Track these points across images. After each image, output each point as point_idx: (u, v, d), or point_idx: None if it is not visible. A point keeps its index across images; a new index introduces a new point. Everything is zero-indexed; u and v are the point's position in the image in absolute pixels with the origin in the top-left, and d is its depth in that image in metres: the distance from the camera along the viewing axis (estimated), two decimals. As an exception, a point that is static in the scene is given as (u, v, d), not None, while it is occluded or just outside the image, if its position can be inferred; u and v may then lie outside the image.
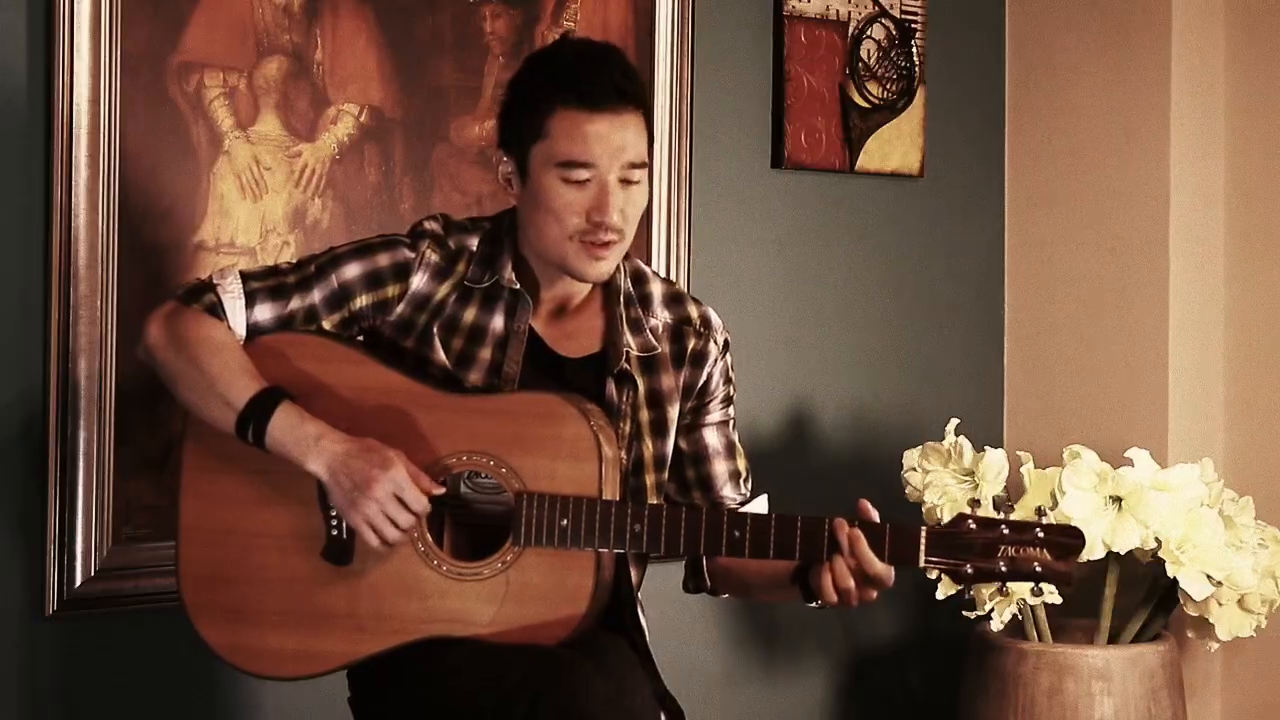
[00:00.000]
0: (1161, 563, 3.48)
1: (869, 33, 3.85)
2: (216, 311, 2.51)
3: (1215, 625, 3.52)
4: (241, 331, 2.51)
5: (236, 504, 2.51)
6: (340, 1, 3.18)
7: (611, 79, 2.48)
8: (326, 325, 2.54)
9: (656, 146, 3.52)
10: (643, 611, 2.64)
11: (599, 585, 2.43)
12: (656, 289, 2.65)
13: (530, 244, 2.55)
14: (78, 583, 2.93)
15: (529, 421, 2.44)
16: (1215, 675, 3.95)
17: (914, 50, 3.93)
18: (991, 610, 3.50)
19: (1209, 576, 3.46)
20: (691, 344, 2.64)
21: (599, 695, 2.32)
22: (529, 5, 3.39)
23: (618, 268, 2.58)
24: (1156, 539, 3.47)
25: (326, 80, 3.17)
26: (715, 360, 2.66)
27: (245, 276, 2.54)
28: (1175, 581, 3.47)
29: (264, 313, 2.52)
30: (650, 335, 2.61)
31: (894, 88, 3.89)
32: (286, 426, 2.43)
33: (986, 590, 3.49)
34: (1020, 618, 3.62)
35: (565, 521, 2.41)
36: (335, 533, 2.46)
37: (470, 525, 2.51)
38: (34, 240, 2.90)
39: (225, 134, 3.07)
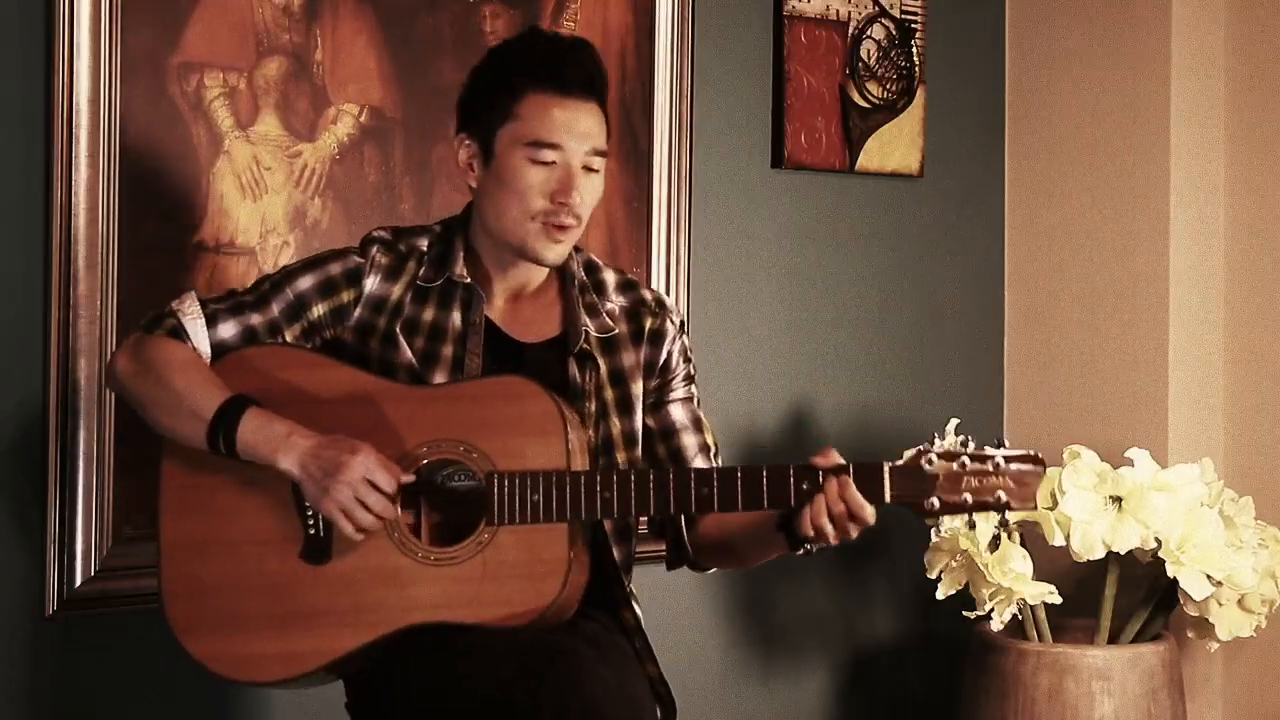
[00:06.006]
0: (1161, 563, 3.48)
1: (869, 33, 3.85)
2: (179, 334, 2.55)
3: (1215, 625, 3.53)
4: (206, 350, 2.56)
5: (214, 515, 2.53)
6: (340, 1, 3.18)
7: (583, 68, 2.57)
8: (288, 337, 2.58)
9: (656, 146, 3.53)
10: (636, 601, 2.66)
11: (574, 555, 2.45)
12: (609, 277, 2.70)
13: (488, 227, 2.59)
14: (78, 583, 2.93)
15: (494, 403, 2.48)
16: (1215, 675, 3.95)
17: (914, 50, 3.93)
18: (991, 610, 3.50)
19: (1209, 576, 3.46)
20: (648, 323, 2.68)
21: (600, 681, 2.34)
22: (529, 5, 3.39)
23: (570, 256, 2.63)
24: (1156, 539, 3.47)
25: (326, 80, 3.17)
26: (673, 339, 2.70)
27: (204, 300, 2.60)
28: (1175, 581, 3.47)
29: (227, 330, 2.57)
30: (607, 318, 2.65)
31: (894, 88, 3.89)
32: (255, 428, 2.46)
33: (987, 590, 3.48)
34: (1020, 618, 3.62)
35: (536, 496, 2.44)
36: (312, 532, 2.48)
37: (446, 512, 2.52)
38: (34, 241, 2.90)
39: (225, 134, 3.07)
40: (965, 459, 2.42)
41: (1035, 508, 2.47)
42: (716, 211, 3.67)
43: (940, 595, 3.52)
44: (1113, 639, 3.63)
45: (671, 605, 3.46)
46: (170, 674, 3.01)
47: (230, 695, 3.08)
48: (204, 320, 2.56)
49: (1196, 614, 3.54)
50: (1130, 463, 3.51)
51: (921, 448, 2.44)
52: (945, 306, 4.05)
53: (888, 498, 2.43)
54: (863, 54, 3.85)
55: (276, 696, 3.09)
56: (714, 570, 2.76)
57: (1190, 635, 3.63)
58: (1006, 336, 4.16)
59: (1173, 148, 3.89)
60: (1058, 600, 3.51)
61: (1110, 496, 3.49)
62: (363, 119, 3.21)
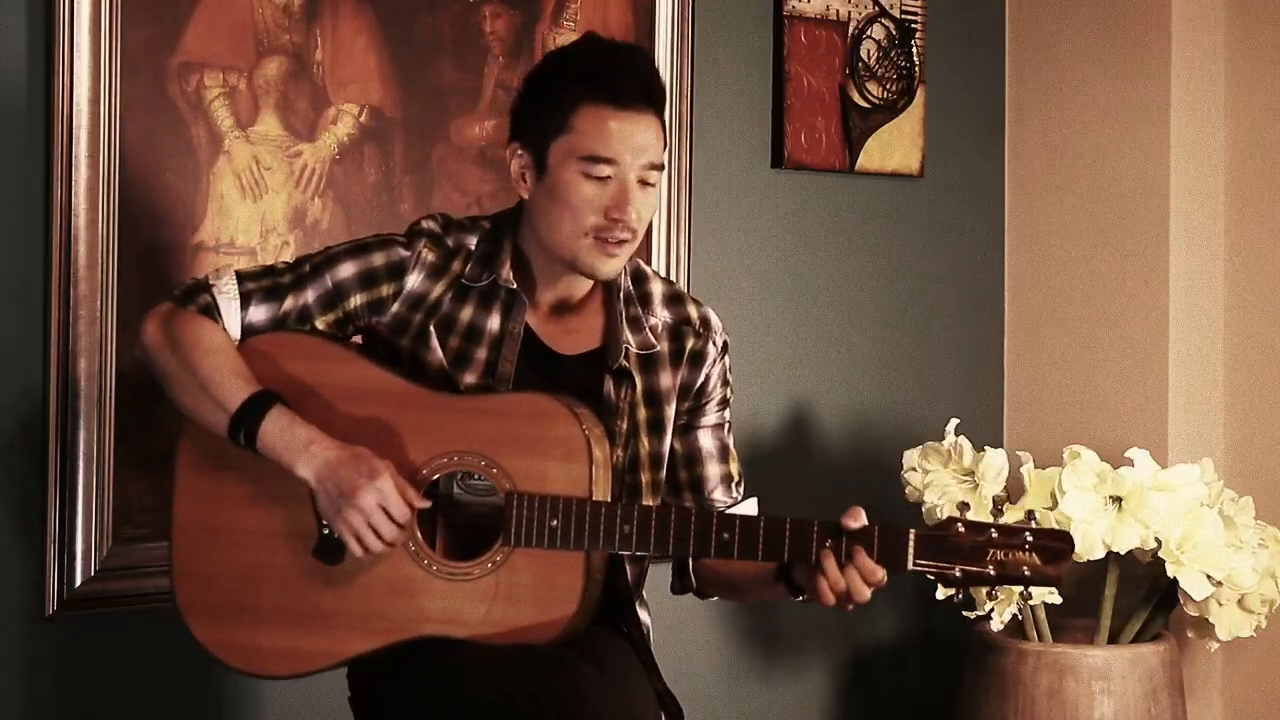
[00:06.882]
0: (1161, 563, 3.48)
1: (869, 33, 3.85)
2: (211, 312, 2.51)
3: (1215, 625, 3.52)
4: (236, 333, 2.51)
5: (230, 502, 2.51)
6: (340, 1, 3.18)
7: (640, 79, 2.49)
8: (319, 325, 2.54)
9: (656, 146, 3.53)
10: (646, 608, 2.65)
11: (589, 586, 2.43)
12: (657, 288, 2.64)
13: (540, 239, 2.53)
14: (78, 583, 2.93)
15: (520, 421, 2.44)
16: (1215, 675, 3.95)
17: (914, 50, 3.93)
18: (991, 610, 3.50)
19: (1209, 576, 3.46)
20: (690, 344, 2.63)
21: (600, 691, 2.33)
22: (529, 5, 3.39)
23: None
24: (1156, 539, 3.47)
25: (326, 80, 3.17)
26: (714, 361, 2.65)
27: (241, 277, 2.54)
28: (1175, 581, 3.47)
29: (259, 314, 2.52)
30: (650, 334, 2.60)
31: (894, 88, 3.90)
32: (277, 431, 2.43)
33: (985, 590, 3.48)
34: (1020, 618, 3.62)
35: (555, 522, 2.41)
36: (326, 532, 2.46)
37: (463, 525, 2.51)
38: (34, 241, 2.90)
39: (225, 134, 3.07)
40: (993, 531, 2.38)
41: (1059, 586, 2.42)
42: (716, 211, 3.67)
43: (940, 595, 3.50)
44: (1113, 639, 3.63)
45: (672, 605, 3.45)
46: (170, 674, 3.01)
47: (230, 696, 3.08)
48: (239, 301, 2.51)
49: (1196, 614, 3.54)
50: (1130, 463, 3.51)
51: (950, 515, 2.41)
52: (946, 306, 4.05)
53: (910, 564, 2.39)
54: (863, 54, 3.85)
55: (276, 698, 3.09)
56: (716, 599, 2.74)
57: (1190, 635, 3.63)
58: (1007, 336, 4.16)
59: (1172, 147, 3.89)
60: (1058, 600, 3.50)
61: (1110, 496, 3.49)
62: (363, 119, 3.21)
